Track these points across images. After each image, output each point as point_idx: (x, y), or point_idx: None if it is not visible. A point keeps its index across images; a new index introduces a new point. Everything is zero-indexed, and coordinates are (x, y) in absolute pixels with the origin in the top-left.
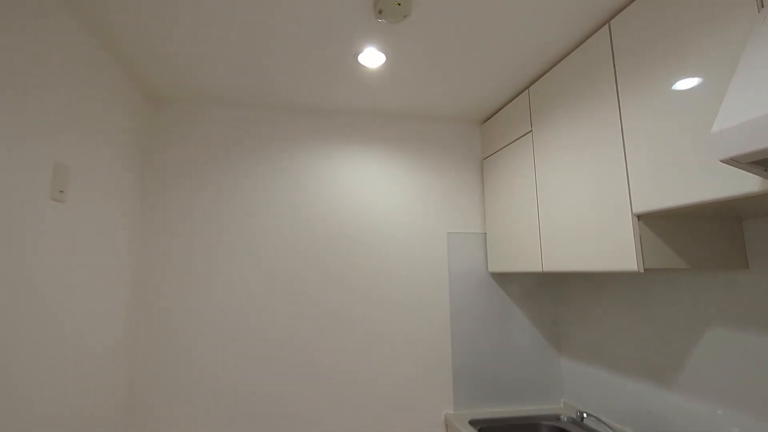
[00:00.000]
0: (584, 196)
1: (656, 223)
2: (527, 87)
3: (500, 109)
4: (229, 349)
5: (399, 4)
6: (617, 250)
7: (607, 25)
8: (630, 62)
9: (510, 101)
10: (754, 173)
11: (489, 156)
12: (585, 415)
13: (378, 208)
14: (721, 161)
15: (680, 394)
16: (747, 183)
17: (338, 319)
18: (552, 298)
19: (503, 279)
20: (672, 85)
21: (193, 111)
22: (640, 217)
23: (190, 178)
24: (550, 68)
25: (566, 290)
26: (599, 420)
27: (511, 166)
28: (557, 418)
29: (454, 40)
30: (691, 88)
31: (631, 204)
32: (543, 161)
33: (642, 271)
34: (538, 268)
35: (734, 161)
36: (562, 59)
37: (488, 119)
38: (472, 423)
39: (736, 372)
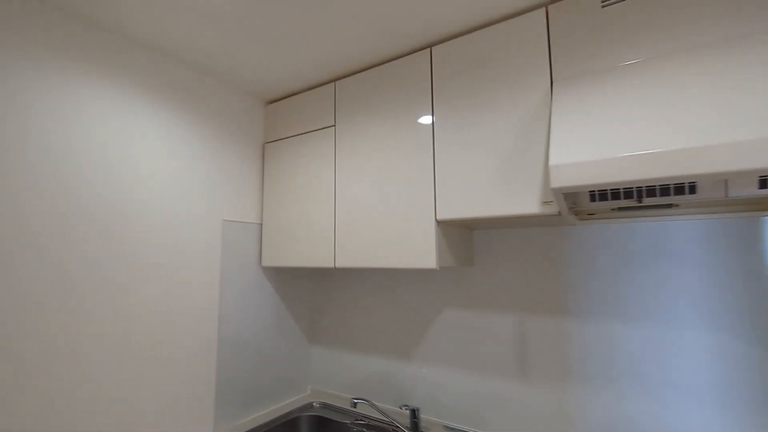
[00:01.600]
0: (393, 200)
1: (445, 229)
2: (334, 80)
3: (295, 94)
4: None
5: None
6: (420, 251)
7: (429, 49)
8: (444, 93)
9: (310, 89)
10: (559, 201)
11: (274, 141)
12: (356, 401)
13: (143, 176)
14: (552, 188)
15: (416, 364)
16: (530, 205)
17: (66, 329)
18: (311, 291)
19: (273, 274)
20: (477, 122)
21: None
22: (439, 223)
23: None
24: (364, 70)
25: (326, 283)
26: (369, 403)
27: (305, 157)
28: (311, 406)
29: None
30: (491, 126)
31: (435, 211)
32: (346, 159)
33: (438, 268)
34: (329, 264)
35: (558, 190)
36: (381, 64)
37: (276, 101)
38: None
39: (459, 341)
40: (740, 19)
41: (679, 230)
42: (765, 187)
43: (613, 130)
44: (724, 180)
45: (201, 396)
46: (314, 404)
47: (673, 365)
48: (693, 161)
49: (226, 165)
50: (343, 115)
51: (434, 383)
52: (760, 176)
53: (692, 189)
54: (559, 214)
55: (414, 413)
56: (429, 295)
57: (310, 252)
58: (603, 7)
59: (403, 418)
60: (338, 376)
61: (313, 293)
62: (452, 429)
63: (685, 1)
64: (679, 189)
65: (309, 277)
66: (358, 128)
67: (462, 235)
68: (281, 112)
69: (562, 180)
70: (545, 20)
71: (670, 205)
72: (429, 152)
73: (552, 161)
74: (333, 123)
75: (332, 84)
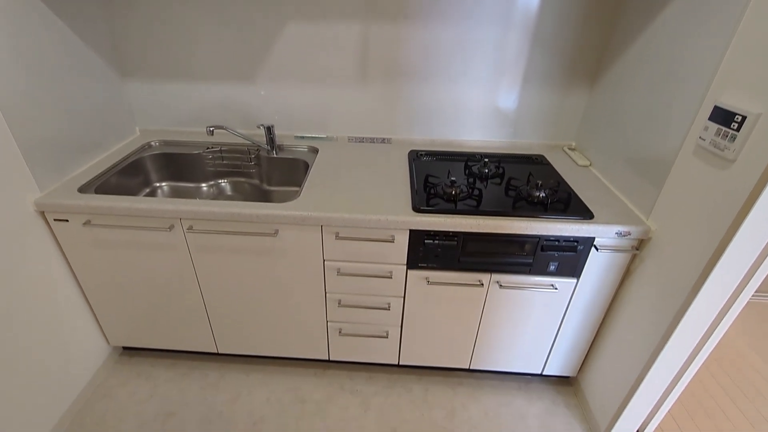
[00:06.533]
0: None
1: None
2: None
3: None
4: None
5: None
6: None
7: None
8: None
9: None
10: None
11: None
12: (212, 129)
13: None
14: None
15: (260, 85)
16: None
17: None
18: (110, 15)
19: None
20: None
21: None
22: None
23: None
24: None
25: (125, 4)
26: (225, 128)
27: None
28: (149, 146)
29: None
30: None
31: None
32: None
33: None
34: None
35: None
36: None
37: None
38: (82, 190)
39: (304, 55)
40: None
41: None
42: None
43: None
44: None
45: (6, 164)
46: (153, 143)
47: (469, 60)
48: None
49: None
50: None
51: (282, 101)
52: None
53: None
54: None
55: (269, 130)
56: (268, 6)
57: None
58: None
59: (260, 138)
60: (171, 111)
61: (113, 18)
62: (302, 137)
63: None
64: None
65: None
66: None
67: None
68: None
69: None
70: None
71: None
72: None
73: None
74: None
75: None
